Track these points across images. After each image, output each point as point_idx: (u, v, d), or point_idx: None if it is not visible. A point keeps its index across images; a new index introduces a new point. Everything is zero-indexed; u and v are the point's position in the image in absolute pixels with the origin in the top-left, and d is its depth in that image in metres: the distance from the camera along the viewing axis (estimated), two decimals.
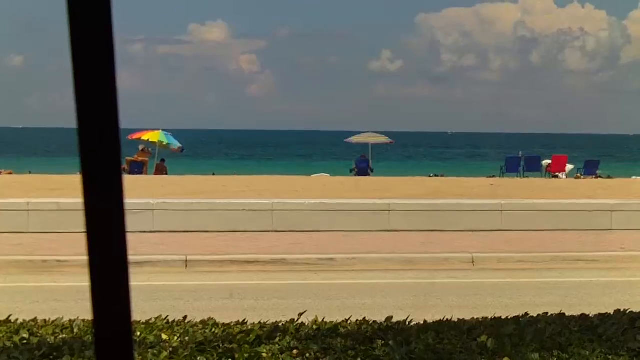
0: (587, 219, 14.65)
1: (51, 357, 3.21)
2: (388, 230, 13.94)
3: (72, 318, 3.96)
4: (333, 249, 12.57)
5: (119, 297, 1.08)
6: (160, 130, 30.01)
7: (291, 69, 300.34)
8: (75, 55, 1.02)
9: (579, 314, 4.34)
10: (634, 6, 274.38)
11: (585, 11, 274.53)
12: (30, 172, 29.54)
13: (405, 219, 14.32)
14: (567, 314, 4.35)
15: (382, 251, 12.53)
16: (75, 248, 11.26)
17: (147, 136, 29.39)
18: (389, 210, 14.61)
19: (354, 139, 34.37)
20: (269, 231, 13.84)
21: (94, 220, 1.06)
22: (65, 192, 16.62)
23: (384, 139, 34.46)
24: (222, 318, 4.32)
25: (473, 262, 12.24)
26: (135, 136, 28.95)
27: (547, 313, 4.27)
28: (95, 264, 1.07)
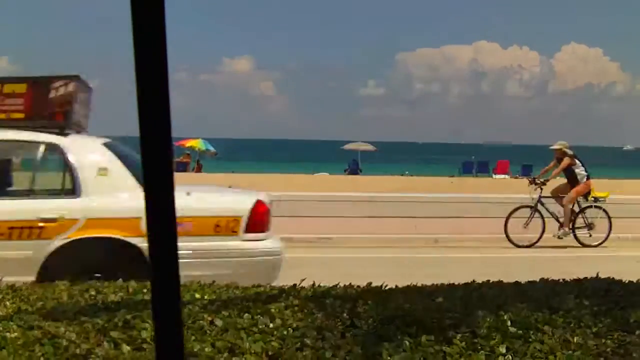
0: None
1: (110, 309, 3.20)
2: (371, 217, 13.89)
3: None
4: (330, 231, 12.55)
5: (170, 263, 1.09)
6: (200, 139, 30.01)
7: (299, 94, 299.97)
8: (139, 81, 1.04)
9: (514, 281, 4.32)
10: (558, 50, 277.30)
11: (523, 52, 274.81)
12: None
13: (385, 207, 14.28)
14: (506, 282, 4.32)
15: (366, 232, 12.51)
16: None
17: (190, 143, 29.41)
18: (373, 201, 14.58)
19: (347, 147, 34.37)
20: (280, 216, 13.76)
21: (152, 205, 1.07)
22: None
23: (369, 147, 34.47)
24: (244, 283, 4.28)
25: (436, 241, 12.23)
26: (181, 143, 28.94)
27: (489, 280, 4.25)
28: (153, 237, 1.08)
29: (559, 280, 4.25)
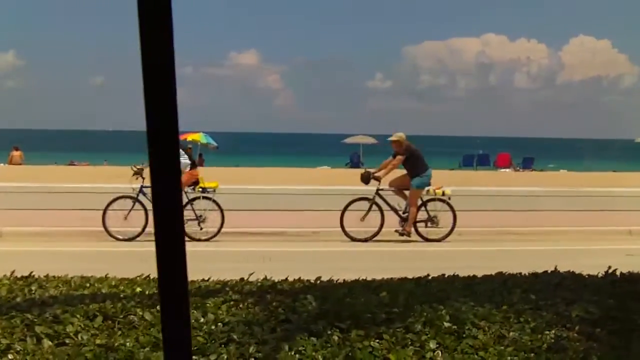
0: (520, 202, 14.51)
1: (46, 303, 3.19)
2: (365, 210, 13.78)
3: (79, 275, 3.93)
4: (323, 224, 12.45)
5: (177, 258, 1.07)
6: (201, 132, 29.93)
7: (306, 87, 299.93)
8: (146, 76, 1.04)
9: (472, 275, 4.25)
10: (566, 42, 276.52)
11: (531, 44, 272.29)
12: (106, 161, 29.66)
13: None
14: (462, 276, 4.20)
15: (362, 226, 12.40)
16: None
17: (190, 137, 29.23)
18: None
19: (348, 140, 34.22)
20: (276, 210, 13.73)
21: (159, 199, 1.06)
22: (125, 179, 16.67)
23: (371, 140, 34.25)
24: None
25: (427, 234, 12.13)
26: (182, 137, 28.91)
27: (444, 275, 4.20)
28: (160, 232, 1.07)
29: (515, 274, 4.19)
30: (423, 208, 11.37)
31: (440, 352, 2.79)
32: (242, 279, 3.86)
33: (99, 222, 11.29)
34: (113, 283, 3.68)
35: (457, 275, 4.19)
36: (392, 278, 4.08)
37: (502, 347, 2.84)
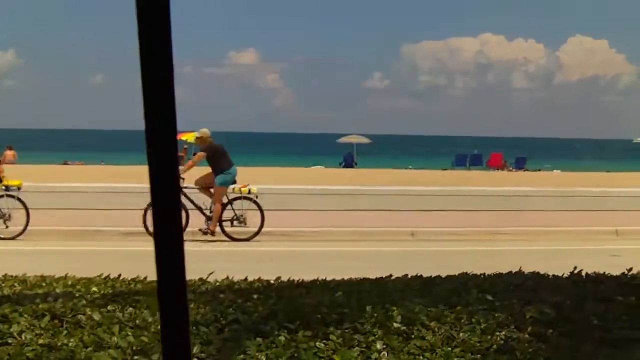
0: (509, 202, 14.50)
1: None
2: (353, 210, 13.80)
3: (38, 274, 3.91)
4: (308, 224, 12.43)
5: (176, 258, 1.07)
6: (195, 132, 29.86)
7: (305, 86, 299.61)
8: (145, 76, 1.03)
9: (435, 275, 4.22)
10: (564, 42, 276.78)
11: (528, 44, 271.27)
12: (102, 162, 29.67)
13: (367, 201, 14.23)
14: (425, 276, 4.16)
15: (344, 225, 12.42)
16: (110, 221, 11.31)
17: (185, 137, 29.23)
18: (355, 194, 14.53)
19: (342, 140, 34.22)
20: (266, 210, 13.67)
21: (158, 200, 1.06)
22: (116, 179, 16.65)
23: (364, 140, 34.24)
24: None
25: (413, 234, 12.13)
26: (178, 137, 28.87)
27: (406, 275, 4.18)
28: (158, 233, 1.07)
29: (479, 274, 4.17)
30: (229, 207, 11.01)
31: (386, 353, 2.77)
32: (200, 279, 3.85)
33: (89, 222, 11.30)
34: (69, 282, 3.66)
35: (422, 275, 4.18)
36: (350, 278, 4.06)
37: (450, 349, 2.83)
